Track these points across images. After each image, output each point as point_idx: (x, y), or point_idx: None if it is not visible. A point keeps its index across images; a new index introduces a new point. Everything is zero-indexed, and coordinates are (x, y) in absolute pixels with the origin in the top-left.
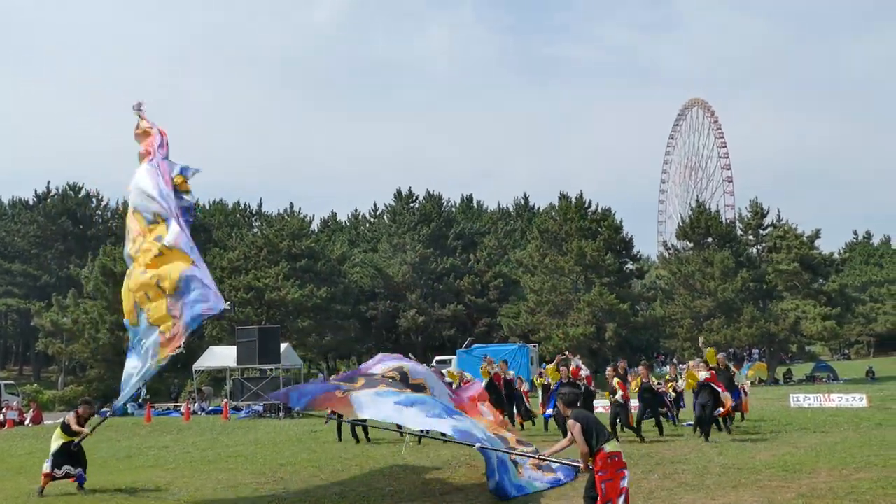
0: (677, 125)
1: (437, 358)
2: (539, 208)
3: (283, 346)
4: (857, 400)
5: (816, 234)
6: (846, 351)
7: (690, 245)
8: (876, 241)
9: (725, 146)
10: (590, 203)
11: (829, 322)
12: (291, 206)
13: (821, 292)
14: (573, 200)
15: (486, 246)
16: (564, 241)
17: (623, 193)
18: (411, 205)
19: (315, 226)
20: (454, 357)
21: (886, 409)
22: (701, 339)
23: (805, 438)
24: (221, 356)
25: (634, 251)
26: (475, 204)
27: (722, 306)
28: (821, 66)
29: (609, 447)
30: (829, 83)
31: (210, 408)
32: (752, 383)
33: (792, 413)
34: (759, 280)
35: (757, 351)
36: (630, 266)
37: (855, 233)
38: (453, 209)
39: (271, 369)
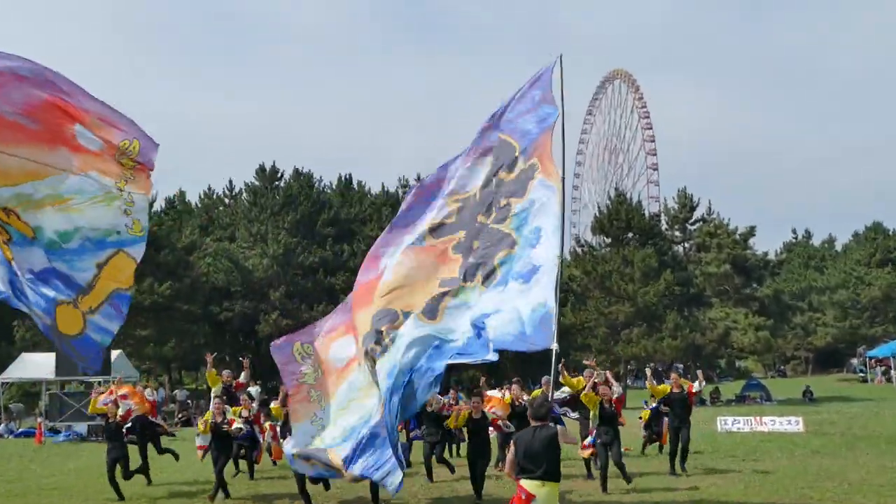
0: (596, 100)
1: None
2: None
3: (115, 353)
4: (792, 423)
5: (751, 232)
6: (781, 367)
7: (608, 241)
8: (817, 241)
9: (651, 128)
10: None
11: (763, 333)
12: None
13: (753, 298)
14: None
15: (366, 236)
16: None
17: None
18: (276, 184)
19: (158, 206)
20: None
21: (824, 434)
22: (591, 361)
23: (733, 467)
24: (36, 365)
25: None
26: (355, 185)
27: (642, 313)
28: (756, 41)
29: (526, 483)
30: (765, 61)
31: (19, 429)
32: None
33: (719, 438)
34: (686, 283)
35: (680, 366)
36: None
37: (794, 231)
38: (327, 191)
39: (99, 382)
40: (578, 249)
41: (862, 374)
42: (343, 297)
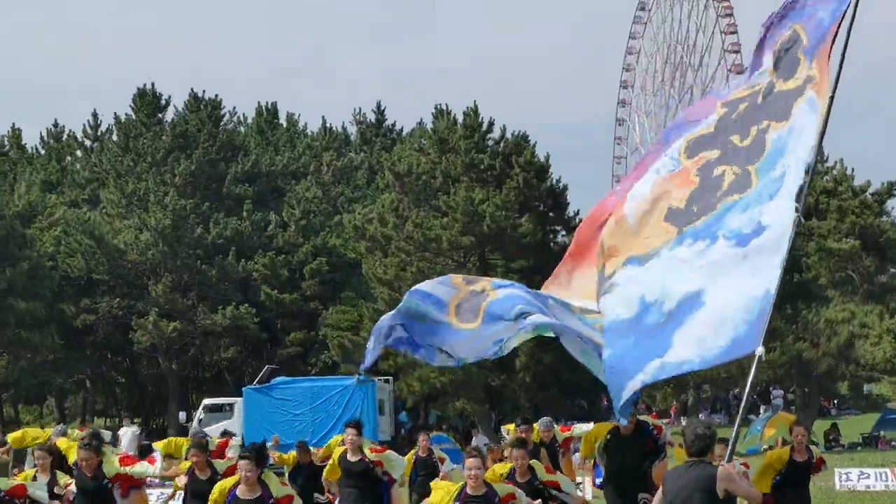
0: None
1: (208, 401)
2: (399, 131)
3: None
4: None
5: (890, 191)
6: None
7: None
8: None
9: (736, 30)
10: (491, 125)
11: None
12: None
13: (893, 290)
14: (460, 119)
15: (300, 197)
16: (442, 192)
17: (551, 111)
18: (161, 118)
19: None
20: (238, 400)
21: None
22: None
23: None
24: None
25: (571, 212)
26: (282, 121)
27: None
28: None
29: None
30: None
31: None
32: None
33: (839, 501)
34: (790, 267)
35: (780, 392)
36: (563, 238)
37: None
38: (241, 128)
39: None
40: None
41: None
42: (266, 292)
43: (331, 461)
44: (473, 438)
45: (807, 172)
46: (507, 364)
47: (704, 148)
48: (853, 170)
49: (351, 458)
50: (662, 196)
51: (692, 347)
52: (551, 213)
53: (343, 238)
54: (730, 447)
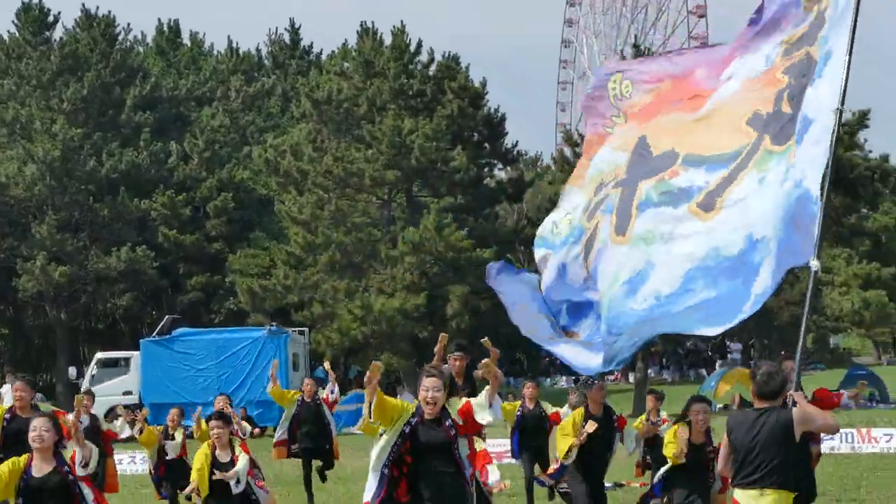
0: None
1: (101, 355)
2: (318, 54)
3: None
4: None
5: (861, 121)
6: None
7: None
8: None
9: None
10: (420, 46)
11: (876, 293)
12: None
13: (862, 233)
14: (387, 40)
15: (205, 126)
16: (366, 121)
17: (488, 31)
18: (47, 36)
19: None
20: (134, 353)
21: None
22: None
23: None
24: None
25: (509, 144)
26: (185, 40)
27: None
28: None
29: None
30: None
31: None
32: (723, 406)
33: None
34: None
35: (738, 345)
36: (499, 174)
37: None
38: (139, 49)
39: None
40: (568, 151)
41: None
42: (164, 233)
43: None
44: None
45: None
46: (436, 314)
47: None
48: None
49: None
50: (749, 98)
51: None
52: (486, 145)
53: (252, 172)
54: (796, 378)
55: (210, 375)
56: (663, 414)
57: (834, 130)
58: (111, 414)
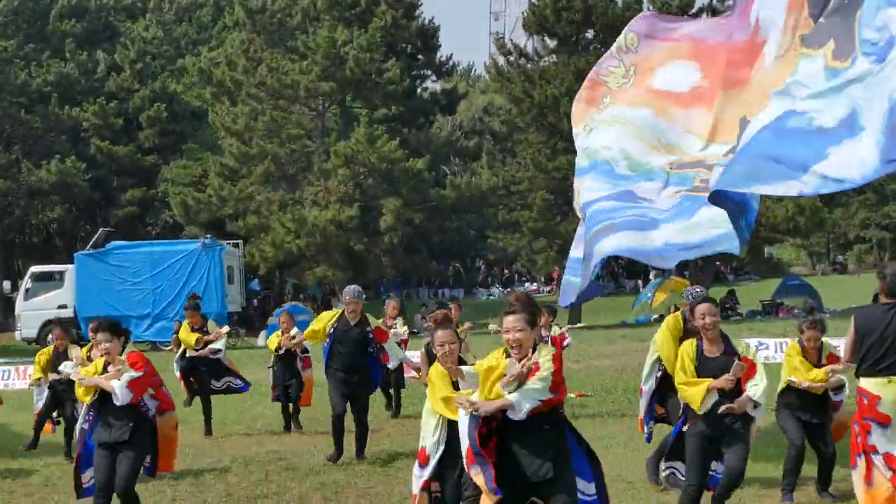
0: None
1: (35, 268)
2: None
3: None
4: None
5: None
6: (841, 257)
7: (551, 44)
8: None
9: None
10: None
11: (809, 200)
12: None
13: None
14: None
15: (136, 37)
16: (300, 31)
17: None
18: None
19: None
20: (69, 267)
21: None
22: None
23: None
24: None
25: (442, 56)
26: None
27: None
28: None
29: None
30: None
31: None
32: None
33: None
34: None
35: None
36: (433, 86)
37: None
38: None
39: None
40: (502, 60)
41: None
42: (97, 144)
43: None
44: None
45: None
46: (370, 226)
47: None
48: None
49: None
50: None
51: (855, 168)
52: (420, 57)
53: (186, 83)
54: None
55: (145, 288)
56: (556, 329)
57: None
58: (45, 330)
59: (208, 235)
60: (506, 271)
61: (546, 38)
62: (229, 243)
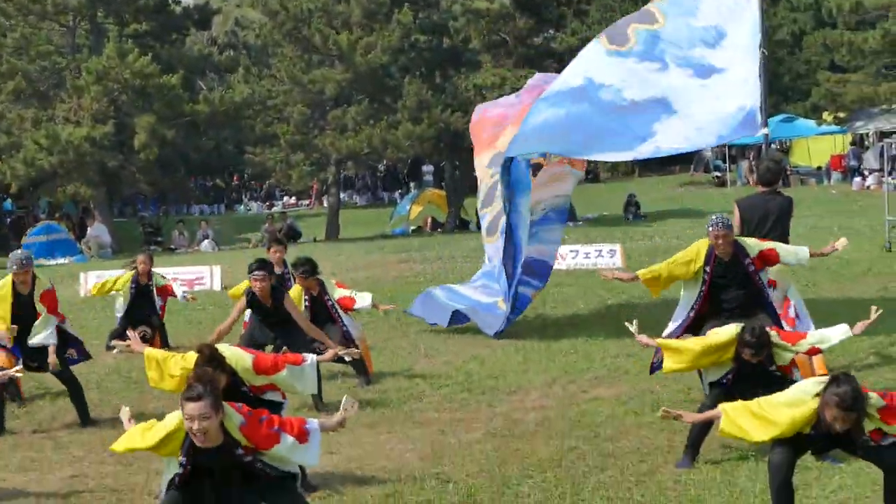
0: None
1: None
2: None
3: None
4: (605, 255)
5: None
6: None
7: None
8: None
9: None
10: None
11: None
12: None
13: (551, 55)
14: None
15: None
16: None
17: None
18: None
19: None
20: None
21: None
22: None
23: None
24: None
25: None
26: None
27: (364, 80)
28: None
29: None
30: None
31: None
32: (416, 227)
33: None
34: (437, 29)
35: (430, 167)
36: (186, 1)
37: None
38: None
39: None
40: None
41: (718, 175)
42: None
43: None
44: (89, 228)
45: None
46: (124, 143)
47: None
48: None
49: None
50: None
51: (680, 138)
52: None
53: None
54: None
55: None
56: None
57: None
58: None
59: None
60: (264, 186)
61: None
62: None
